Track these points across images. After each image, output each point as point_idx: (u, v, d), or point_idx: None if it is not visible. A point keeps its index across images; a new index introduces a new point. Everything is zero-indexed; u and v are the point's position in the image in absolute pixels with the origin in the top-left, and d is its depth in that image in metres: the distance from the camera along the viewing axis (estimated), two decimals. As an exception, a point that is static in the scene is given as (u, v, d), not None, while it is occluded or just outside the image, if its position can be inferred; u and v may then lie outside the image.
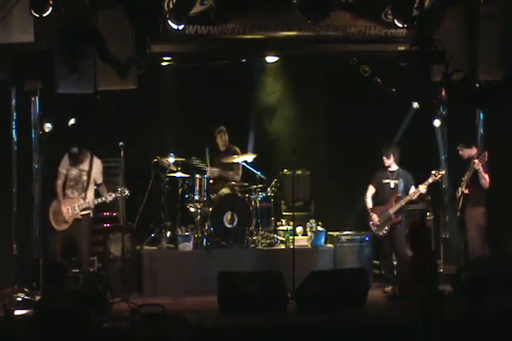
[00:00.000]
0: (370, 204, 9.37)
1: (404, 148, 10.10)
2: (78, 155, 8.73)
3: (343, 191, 10.33)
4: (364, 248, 9.60)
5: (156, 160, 9.78)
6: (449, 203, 9.68)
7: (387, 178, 9.34)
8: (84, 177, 8.74)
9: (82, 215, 8.66)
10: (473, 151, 9.10)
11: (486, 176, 8.86)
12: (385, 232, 9.16)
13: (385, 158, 9.31)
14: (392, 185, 9.27)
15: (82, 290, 8.07)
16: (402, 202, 9.17)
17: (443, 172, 9.21)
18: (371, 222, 9.27)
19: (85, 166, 8.76)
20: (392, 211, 9.14)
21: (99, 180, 8.86)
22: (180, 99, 10.38)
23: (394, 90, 10.07)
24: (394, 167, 9.34)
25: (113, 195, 8.80)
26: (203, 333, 6.42)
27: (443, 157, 10.02)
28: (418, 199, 9.36)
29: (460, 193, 9.07)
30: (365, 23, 9.04)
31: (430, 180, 9.17)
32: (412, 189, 9.22)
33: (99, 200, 8.78)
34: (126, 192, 8.83)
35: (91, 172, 8.74)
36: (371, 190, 9.40)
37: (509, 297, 6.71)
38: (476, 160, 8.85)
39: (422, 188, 9.14)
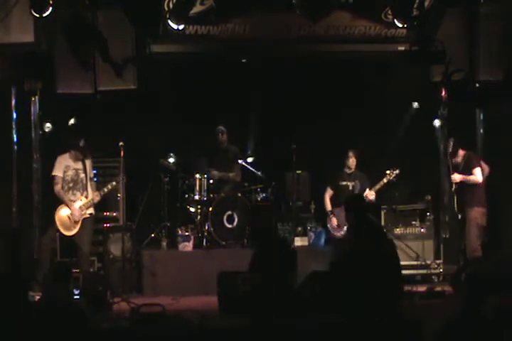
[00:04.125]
0: (329, 206, 9.56)
1: (404, 148, 10.14)
2: (86, 148, 8.73)
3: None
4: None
5: (159, 161, 9.81)
6: (448, 203, 9.68)
7: (345, 180, 9.47)
8: (82, 175, 8.75)
9: (88, 214, 8.71)
10: (462, 153, 9.07)
11: (474, 174, 8.86)
12: (342, 233, 9.23)
13: (351, 160, 9.45)
14: (350, 187, 9.45)
15: (82, 290, 8.07)
16: None
17: (397, 171, 9.24)
18: (330, 224, 9.37)
19: (79, 165, 8.76)
20: None
21: (91, 175, 8.88)
22: (180, 99, 10.38)
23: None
24: (353, 168, 9.48)
25: (113, 183, 8.83)
26: (203, 333, 6.41)
27: (443, 157, 10.02)
28: (370, 202, 9.36)
29: (454, 180, 9.03)
30: (365, 23, 9.06)
31: (385, 180, 9.26)
32: (367, 190, 9.31)
33: (102, 193, 8.79)
34: (124, 179, 8.85)
35: (86, 169, 8.75)
36: (329, 192, 9.61)
37: (508, 297, 6.71)
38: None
39: (371, 195, 9.25)
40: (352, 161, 9.51)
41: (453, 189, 9.02)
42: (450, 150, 9.07)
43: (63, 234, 8.64)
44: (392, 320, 5.85)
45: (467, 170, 8.97)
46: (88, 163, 8.81)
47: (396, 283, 5.51)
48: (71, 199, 8.70)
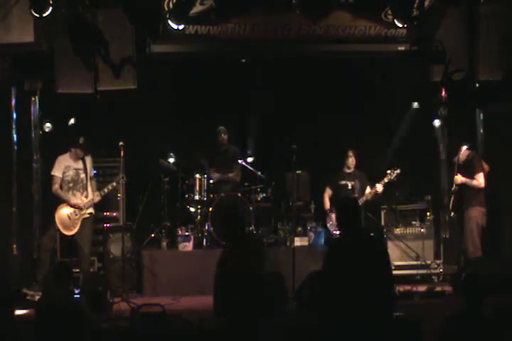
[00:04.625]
0: (328, 205, 9.59)
1: (404, 148, 10.13)
2: (86, 145, 8.73)
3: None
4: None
5: (159, 161, 9.82)
6: (448, 203, 9.67)
7: (344, 179, 9.49)
8: (82, 175, 8.74)
9: (88, 214, 8.70)
10: (465, 153, 9.02)
11: (477, 179, 8.81)
12: None
13: (351, 160, 9.45)
14: (349, 186, 9.48)
15: (82, 290, 8.08)
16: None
17: (398, 170, 9.26)
18: (330, 223, 9.38)
19: (80, 164, 8.75)
20: None
21: (92, 174, 8.88)
22: (180, 99, 10.39)
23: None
24: (352, 168, 9.51)
25: (113, 184, 8.84)
26: (203, 333, 6.41)
27: (443, 157, 10.04)
28: (375, 198, 9.42)
29: (456, 181, 8.92)
30: (365, 23, 9.07)
31: (386, 180, 9.29)
32: (368, 189, 9.36)
33: (102, 193, 8.79)
34: (125, 178, 8.86)
35: (87, 169, 8.74)
36: (328, 192, 9.64)
37: (508, 297, 6.72)
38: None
39: (379, 187, 9.29)
40: (352, 160, 9.53)
41: (452, 188, 8.97)
42: (459, 156, 8.97)
43: (63, 234, 8.64)
44: (391, 321, 5.85)
45: (469, 172, 8.88)
46: (88, 161, 8.79)
47: (386, 285, 5.49)
48: (72, 199, 8.69)
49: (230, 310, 6.21)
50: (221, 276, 6.45)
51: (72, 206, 8.63)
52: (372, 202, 9.52)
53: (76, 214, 8.63)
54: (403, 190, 10.06)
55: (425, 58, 8.33)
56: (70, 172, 8.73)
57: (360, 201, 9.28)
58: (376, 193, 9.33)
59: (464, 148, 8.94)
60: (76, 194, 8.74)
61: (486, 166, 9.03)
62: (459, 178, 8.86)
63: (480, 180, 8.79)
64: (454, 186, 8.94)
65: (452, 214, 9.03)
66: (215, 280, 6.43)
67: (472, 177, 8.79)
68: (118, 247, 9.10)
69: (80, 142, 8.69)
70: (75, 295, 7.57)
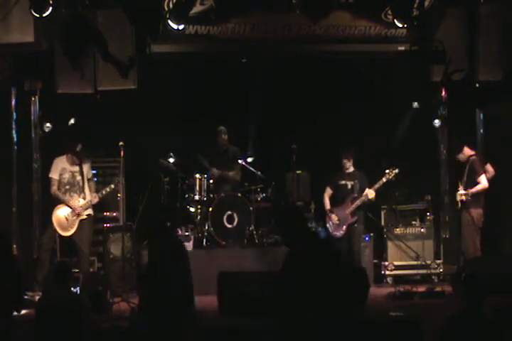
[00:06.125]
0: (328, 205, 9.57)
1: (404, 148, 10.13)
2: (82, 153, 8.71)
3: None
4: (364, 248, 9.59)
5: (159, 161, 9.82)
6: (449, 203, 9.68)
7: (344, 179, 9.48)
8: (78, 178, 8.69)
9: (86, 215, 8.68)
10: (468, 152, 8.98)
11: (480, 182, 8.79)
12: (342, 232, 9.26)
13: (346, 161, 9.44)
14: (348, 186, 9.46)
15: (82, 290, 8.08)
16: (358, 203, 9.33)
17: (397, 170, 9.25)
18: (330, 223, 9.38)
19: (76, 167, 8.72)
20: (348, 211, 9.29)
21: (90, 176, 8.86)
22: (180, 99, 10.38)
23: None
24: (351, 169, 9.46)
25: (111, 186, 8.83)
26: (203, 333, 6.41)
27: (443, 157, 10.04)
28: (370, 202, 9.39)
29: (459, 197, 8.94)
30: (365, 23, 9.07)
31: (384, 179, 9.29)
32: (366, 190, 9.34)
33: (100, 195, 8.77)
34: (121, 182, 8.87)
35: (83, 171, 8.72)
36: (328, 192, 9.62)
37: (508, 297, 6.72)
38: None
39: (371, 193, 9.27)
40: (349, 165, 9.47)
41: (458, 206, 8.92)
42: (461, 156, 8.97)
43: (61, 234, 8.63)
44: (391, 321, 5.86)
45: (471, 177, 8.85)
46: (85, 166, 8.74)
47: (341, 292, 5.48)
48: (69, 201, 8.66)
49: (155, 310, 6.24)
50: (149, 278, 6.48)
51: (70, 207, 8.61)
52: (370, 204, 9.50)
53: (74, 216, 8.60)
54: (403, 190, 10.07)
55: (425, 58, 8.34)
56: (66, 175, 8.69)
57: (359, 201, 9.28)
58: (369, 199, 9.30)
59: (466, 149, 8.94)
60: (73, 196, 8.70)
61: (491, 170, 8.98)
62: (462, 193, 8.80)
63: (483, 181, 8.78)
64: (459, 203, 8.85)
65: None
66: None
67: (476, 183, 8.77)
68: (118, 247, 9.10)
69: (77, 150, 8.64)
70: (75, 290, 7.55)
